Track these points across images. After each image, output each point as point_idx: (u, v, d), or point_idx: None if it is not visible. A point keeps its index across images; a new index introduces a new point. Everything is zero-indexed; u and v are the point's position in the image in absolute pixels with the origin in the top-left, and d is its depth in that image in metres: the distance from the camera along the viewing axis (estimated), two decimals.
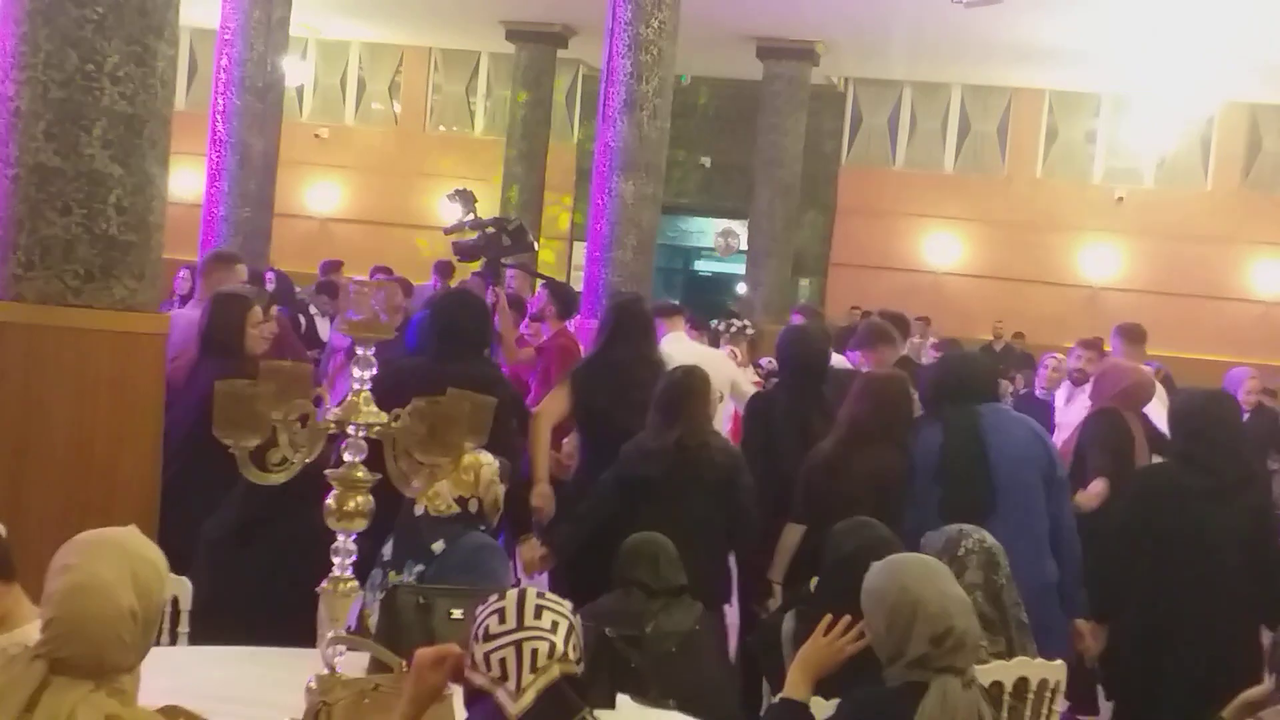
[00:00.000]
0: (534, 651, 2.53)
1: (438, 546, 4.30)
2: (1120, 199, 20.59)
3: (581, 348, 8.76)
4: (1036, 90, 20.83)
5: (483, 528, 4.43)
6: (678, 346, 7.90)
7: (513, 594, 2.62)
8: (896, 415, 5.73)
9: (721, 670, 4.62)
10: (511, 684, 2.51)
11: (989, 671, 3.99)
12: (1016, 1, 13.16)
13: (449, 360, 5.70)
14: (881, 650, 3.43)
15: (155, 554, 2.71)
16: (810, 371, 6.50)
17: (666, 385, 5.75)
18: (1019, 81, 20.50)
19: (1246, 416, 10.03)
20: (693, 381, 5.73)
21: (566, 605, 2.64)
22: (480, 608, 2.63)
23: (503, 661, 2.52)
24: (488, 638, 2.56)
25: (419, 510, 4.36)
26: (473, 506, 4.42)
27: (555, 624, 2.58)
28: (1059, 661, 4.31)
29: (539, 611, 2.58)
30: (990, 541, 4.43)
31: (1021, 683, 4.19)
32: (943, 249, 21.32)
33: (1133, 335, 8.67)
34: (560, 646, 2.55)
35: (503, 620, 2.57)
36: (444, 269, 12.99)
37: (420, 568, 4.28)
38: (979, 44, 17.50)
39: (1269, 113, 20.19)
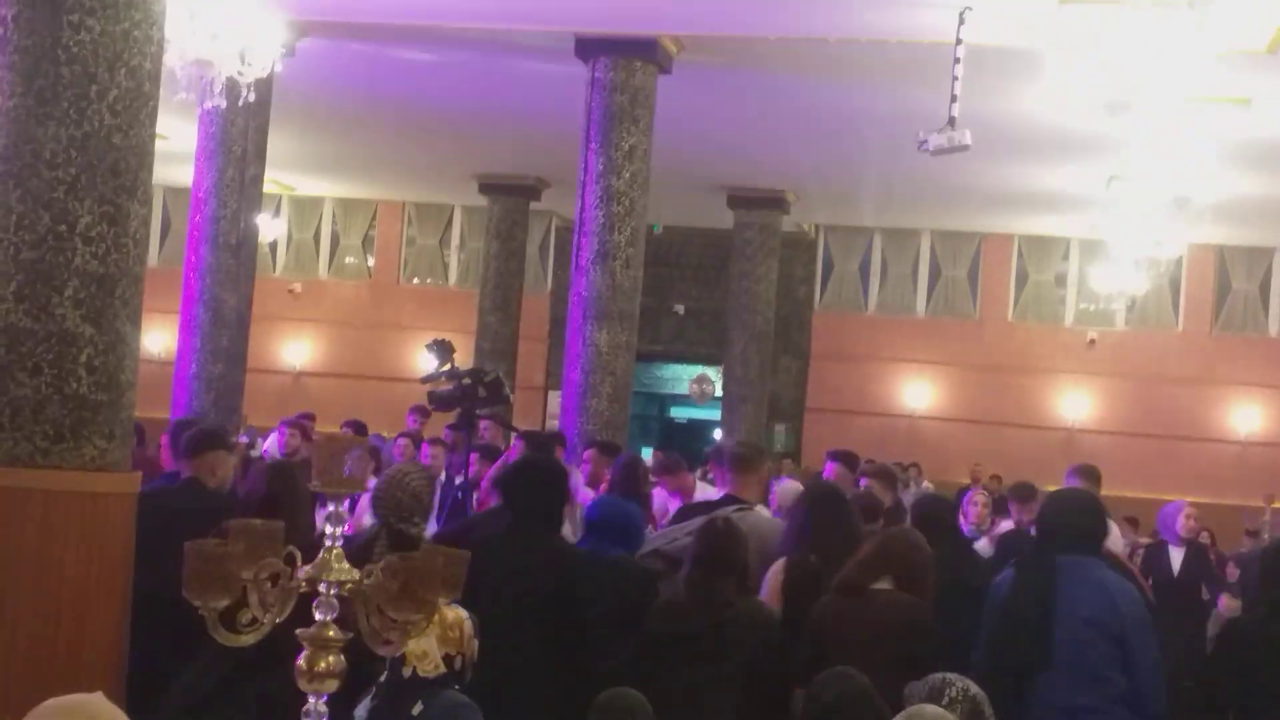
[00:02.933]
0: None
1: (417, 709, 4.21)
2: (1092, 341, 20.77)
3: None
4: (1005, 235, 21.09)
5: (456, 686, 4.35)
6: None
7: None
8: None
9: None
10: None
11: None
12: (981, 148, 13.32)
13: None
14: None
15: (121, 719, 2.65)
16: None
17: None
18: (987, 227, 20.77)
19: (1183, 550, 9.90)
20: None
21: None
22: None
23: None
24: None
25: (408, 673, 4.27)
26: (457, 664, 4.34)
27: None
28: None
29: None
30: (974, 690, 4.37)
31: None
32: (918, 393, 21.40)
33: (1091, 475, 8.52)
34: None
35: None
36: (421, 411, 12.97)
37: None
38: (946, 190, 17.74)
39: (1236, 254, 20.49)
